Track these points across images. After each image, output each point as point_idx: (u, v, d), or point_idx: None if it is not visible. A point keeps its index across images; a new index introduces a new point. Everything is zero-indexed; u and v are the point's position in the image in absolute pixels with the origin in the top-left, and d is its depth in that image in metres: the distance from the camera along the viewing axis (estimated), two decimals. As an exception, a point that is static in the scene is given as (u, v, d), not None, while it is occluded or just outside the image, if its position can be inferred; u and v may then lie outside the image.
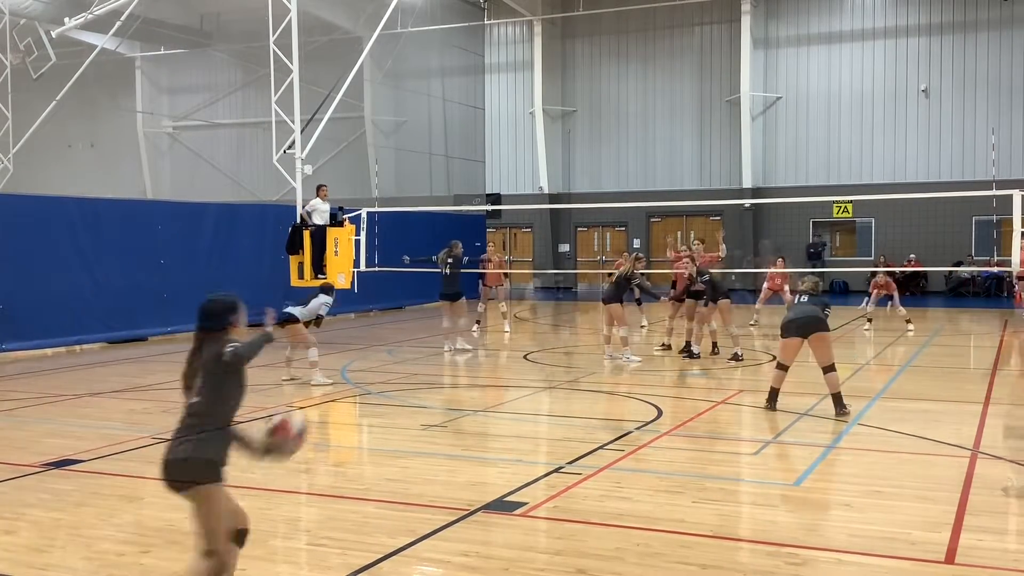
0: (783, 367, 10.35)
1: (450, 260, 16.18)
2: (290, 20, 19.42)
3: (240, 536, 4.82)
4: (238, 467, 8.00)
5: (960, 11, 29.67)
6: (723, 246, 17.03)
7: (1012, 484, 7.43)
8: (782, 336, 10.34)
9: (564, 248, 34.52)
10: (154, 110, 36.42)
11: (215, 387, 4.75)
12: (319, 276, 18.02)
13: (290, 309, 12.73)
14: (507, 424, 10.13)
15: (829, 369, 10.03)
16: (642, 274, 15.23)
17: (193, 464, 4.64)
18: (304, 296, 13.36)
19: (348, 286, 18.31)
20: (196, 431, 4.68)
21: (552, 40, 34.26)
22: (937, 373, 13.79)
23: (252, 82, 32.70)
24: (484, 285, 19.87)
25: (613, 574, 5.45)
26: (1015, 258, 14.49)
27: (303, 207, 18.89)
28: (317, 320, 13.05)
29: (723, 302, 14.74)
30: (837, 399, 10.01)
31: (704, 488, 7.27)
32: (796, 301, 10.41)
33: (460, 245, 16.63)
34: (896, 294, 19.43)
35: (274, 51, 19.77)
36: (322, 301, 12.95)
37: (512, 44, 35.54)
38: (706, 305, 14.68)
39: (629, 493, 7.12)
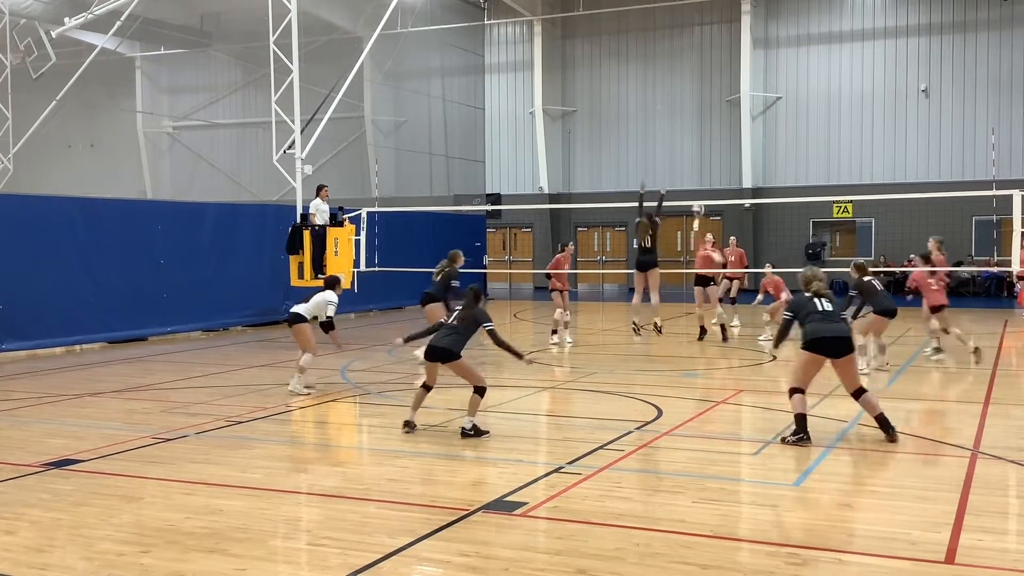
0: (802, 391, 8.80)
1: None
2: (290, 20, 19.41)
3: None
4: (237, 467, 8.04)
5: (960, 11, 29.68)
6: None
7: None
8: (807, 350, 8.76)
9: (564, 248, 34.48)
10: (154, 110, 36.42)
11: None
12: (319, 276, 18.00)
13: (296, 308, 12.04)
14: (507, 424, 10.13)
15: (862, 391, 8.86)
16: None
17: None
18: (306, 295, 12.93)
19: (348, 286, 18.30)
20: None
21: (552, 40, 34.26)
22: (937, 373, 13.78)
23: (252, 82, 32.72)
24: (563, 289, 17.19)
25: (613, 574, 5.45)
26: (1015, 258, 14.47)
27: (306, 208, 18.88)
28: (328, 323, 11.97)
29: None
30: (883, 421, 8.79)
31: (704, 488, 7.27)
32: (821, 308, 8.85)
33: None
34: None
35: (274, 51, 19.77)
36: (327, 300, 11.94)
37: (512, 44, 35.54)
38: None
39: (629, 493, 7.12)
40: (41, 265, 16.16)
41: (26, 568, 5.64)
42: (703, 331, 17.55)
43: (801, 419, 8.67)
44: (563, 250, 17.60)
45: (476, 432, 9.14)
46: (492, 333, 9.44)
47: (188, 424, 9.90)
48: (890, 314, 12.69)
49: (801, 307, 9.00)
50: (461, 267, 14.41)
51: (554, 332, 17.05)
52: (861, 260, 14.25)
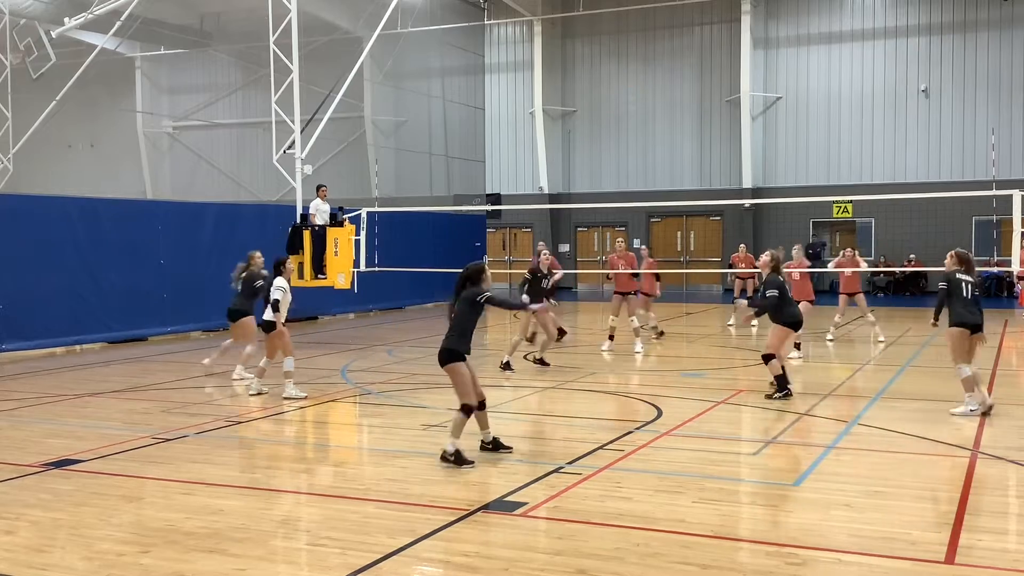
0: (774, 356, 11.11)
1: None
2: (290, 20, 19.41)
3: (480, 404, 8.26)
4: (238, 467, 8.04)
5: (960, 11, 29.68)
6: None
7: None
8: (791, 327, 11.23)
9: (564, 248, 34.54)
10: (154, 110, 36.42)
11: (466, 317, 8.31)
12: (319, 276, 18.00)
13: (266, 316, 11.62)
14: (507, 424, 10.12)
15: (772, 356, 11.05)
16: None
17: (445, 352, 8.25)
18: (293, 297, 12.35)
19: (348, 286, 18.30)
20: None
21: (552, 40, 34.27)
22: (937, 373, 13.76)
23: (252, 82, 32.70)
24: (646, 293, 16.30)
25: (613, 574, 5.45)
26: (1015, 258, 14.47)
27: (306, 208, 18.86)
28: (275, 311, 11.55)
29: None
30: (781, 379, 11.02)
31: (704, 488, 7.27)
32: (789, 291, 11.45)
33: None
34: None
35: (274, 51, 19.77)
36: (277, 286, 11.53)
37: (512, 44, 35.55)
38: None
39: (629, 493, 7.12)
40: (41, 265, 16.16)
41: (26, 568, 5.64)
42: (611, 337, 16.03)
43: (782, 379, 10.72)
44: (620, 249, 16.10)
45: (458, 459, 7.94)
46: (491, 300, 8.39)
47: (188, 424, 9.89)
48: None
49: (784, 291, 10.98)
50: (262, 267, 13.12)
51: (638, 336, 15.85)
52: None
